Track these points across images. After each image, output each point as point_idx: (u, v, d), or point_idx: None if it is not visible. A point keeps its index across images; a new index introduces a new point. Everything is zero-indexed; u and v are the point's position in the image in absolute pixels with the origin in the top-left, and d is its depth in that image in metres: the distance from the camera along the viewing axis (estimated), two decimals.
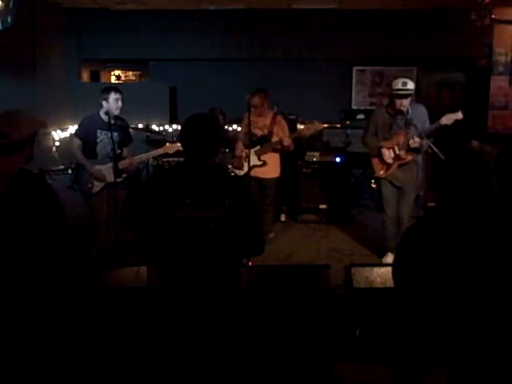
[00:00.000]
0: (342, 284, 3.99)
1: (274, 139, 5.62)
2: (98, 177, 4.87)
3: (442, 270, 2.24)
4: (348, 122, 7.86)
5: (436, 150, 4.78)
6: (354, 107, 8.35)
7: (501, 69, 7.28)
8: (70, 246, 2.63)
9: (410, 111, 5.02)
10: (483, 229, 2.20)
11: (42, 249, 2.47)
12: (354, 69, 8.45)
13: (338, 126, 7.90)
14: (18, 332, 2.45)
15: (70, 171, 6.19)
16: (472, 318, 2.17)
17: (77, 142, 5.01)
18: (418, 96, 8.38)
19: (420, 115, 5.07)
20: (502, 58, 7.27)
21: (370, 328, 3.59)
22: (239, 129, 5.76)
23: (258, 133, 5.60)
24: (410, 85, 4.98)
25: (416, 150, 5.08)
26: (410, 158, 5.11)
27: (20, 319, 2.45)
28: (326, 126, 8.04)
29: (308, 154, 7.03)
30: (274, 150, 5.66)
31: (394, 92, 5.02)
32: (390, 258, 5.30)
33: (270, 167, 5.67)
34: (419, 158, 5.32)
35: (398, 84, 4.99)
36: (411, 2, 7.32)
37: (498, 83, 7.31)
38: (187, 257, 2.51)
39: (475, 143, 6.44)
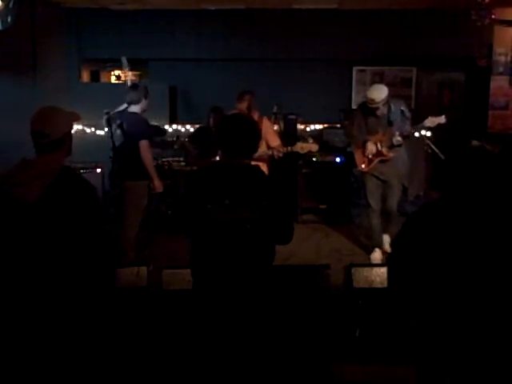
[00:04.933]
0: (342, 284, 3.99)
1: (266, 145, 5.22)
2: None
3: (440, 265, 2.25)
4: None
5: (436, 149, 4.79)
6: (354, 107, 8.33)
7: (501, 69, 7.28)
8: (105, 244, 2.67)
9: (392, 109, 5.12)
10: (485, 223, 2.20)
11: (80, 243, 2.51)
12: (354, 69, 8.44)
13: (338, 126, 7.90)
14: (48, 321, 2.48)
15: None
16: (472, 314, 2.17)
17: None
18: (418, 96, 8.40)
19: (398, 111, 5.17)
20: (502, 58, 7.27)
21: (370, 328, 3.59)
22: None
23: None
24: (379, 98, 5.02)
25: (399, 146, 5.22)
26: (391, 155, 5.22)
27: (51, 310, 2.49)
28: (326, 125, 8.08)
29: (308, 154, 7.03)
30: (262, 160, 5.17)
31: (366, 101, 5.14)
32: (378, 254, 5.37)
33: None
34: (401, 151, 5.35)
35: (367, 97, 5.11)
36: (411, 2, 7.32)
37: (498, 83, 7.31)
38: (224, 256, 2.53)
39: (475, 143, 6.44)
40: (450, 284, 2.22)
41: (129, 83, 5.08)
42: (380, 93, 5.08)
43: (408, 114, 5.21)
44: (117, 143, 5.06)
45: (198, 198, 2.52)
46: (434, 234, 2.26)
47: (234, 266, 2.54)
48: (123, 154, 4.95)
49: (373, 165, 5.31)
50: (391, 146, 5.18)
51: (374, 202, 5.42)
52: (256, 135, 2.68)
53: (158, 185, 4.94)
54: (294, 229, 2.78)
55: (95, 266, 2.59)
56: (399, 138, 5.09)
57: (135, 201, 4.93)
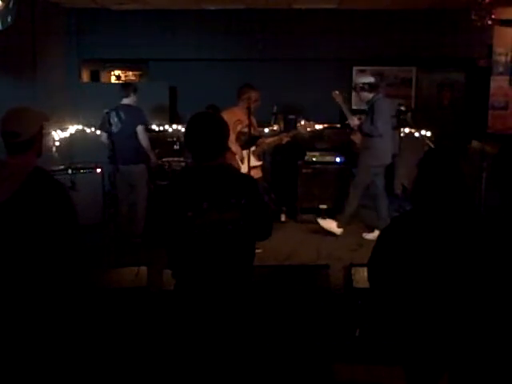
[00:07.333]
0: (342, 284, 3.99)
1: (269, 139, 5.61)
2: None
3: (415, 269, 2.28)
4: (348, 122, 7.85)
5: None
6: (354, 107, 8.32)
7: (501, 69, 7.28)
8: (77, 244, 2.66)
9: (370, 103, 5.78)
10: (457, 227, 2.23)
11: (52, 244, 2.51)
12: (354, 69, 8.44)
13: (338, 126, 7.90)
14: (20, 324, 2.48)
15: (69, 171, 6.19)
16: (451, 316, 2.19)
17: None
18: (418, 96, 8.40)
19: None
20: (502, 58, 7.27)
21: (369, 328, 3.59)
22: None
23: (246, 131, 5.39)
24: (357, 81, 5.96)
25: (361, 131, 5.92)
26: (352, 137, 6.24)
27: (23, 312, 2.48)
28: (326, 125, 8.07)
29: (308, 153, 7.04)
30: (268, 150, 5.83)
31: None
32: (372, 234, 5.82)
33: (259, 167, 5.54)
34: (374, 143, 5.84)
35: None
36: (411, 2, 7.32)
37: (498, 83, 7.31)
38: (206, 259, 2.50)
39: (475, 143, 6.45)
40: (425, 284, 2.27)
41: None
42: (358, 77, 6.09)
43: (372, 112, 5.69)
44: (115, 130, 5.48)
45: (177, 206, 2.45)
46: (404, 245, 2.30)
47: (218, 268, 2.50)
48: (120, 140, 5.38)
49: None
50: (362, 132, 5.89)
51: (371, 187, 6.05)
52: (223, 134, 2.57)
53: (154, 159, 5.93)
54: (272, 224, 2.77)
55: (66, 266, 2.58)
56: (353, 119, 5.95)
57: (140, 180, 5.82)
